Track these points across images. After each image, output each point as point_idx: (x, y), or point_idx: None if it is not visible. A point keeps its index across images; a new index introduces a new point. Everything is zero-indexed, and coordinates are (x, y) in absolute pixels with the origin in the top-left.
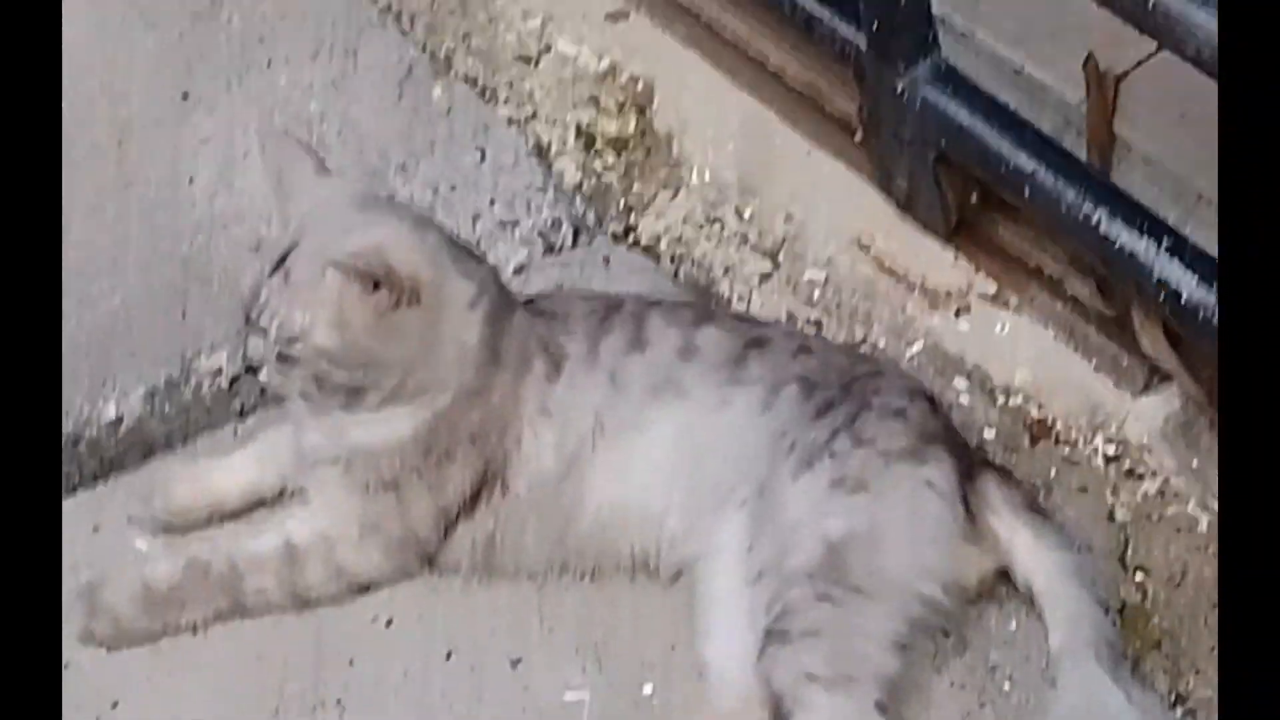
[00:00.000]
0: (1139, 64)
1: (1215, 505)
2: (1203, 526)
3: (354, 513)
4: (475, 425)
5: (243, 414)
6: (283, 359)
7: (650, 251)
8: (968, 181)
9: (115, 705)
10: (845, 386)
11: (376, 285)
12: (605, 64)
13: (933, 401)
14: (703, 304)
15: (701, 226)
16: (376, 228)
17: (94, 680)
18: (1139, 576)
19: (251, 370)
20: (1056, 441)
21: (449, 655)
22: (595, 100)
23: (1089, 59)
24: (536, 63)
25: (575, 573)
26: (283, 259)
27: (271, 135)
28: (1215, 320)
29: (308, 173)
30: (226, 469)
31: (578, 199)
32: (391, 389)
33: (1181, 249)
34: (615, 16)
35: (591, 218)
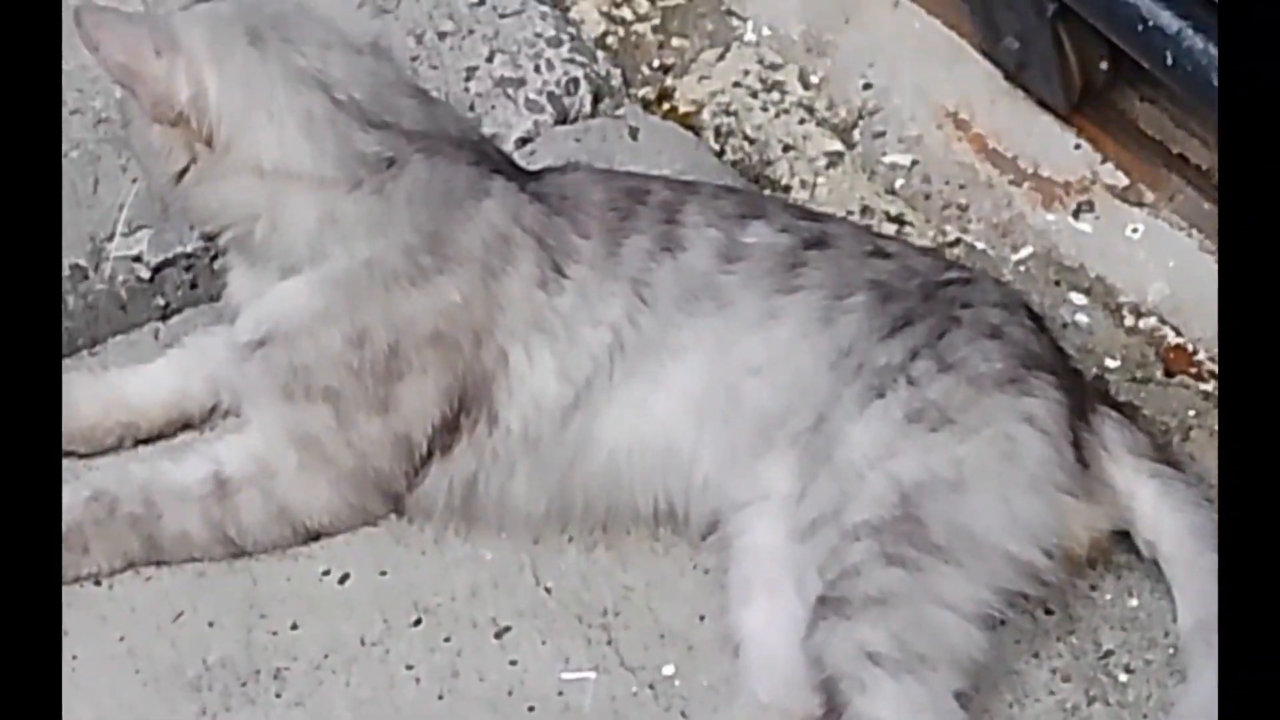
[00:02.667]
0: None
1: None
2: None
3: (285, 426)
4: (429, 322)
5: (166, 312)
6: None
7: (689, 123)
8: (1095, 43)
9: None
10: (928, 297)
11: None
12: None
13: (1038, 319)
14: (753, 192)
15: (756, 94)
16: (215, 46)
17: None
18: None
19: None
20: (1196, 374)
21: (418, 621)
22: None
23: None
24: None
25: (580, 525)
26: None
27: None
28: None
29: None
30: (144, 379)
31: (600, 54)
32: (239, 242)
33: None
34: None
35: (617, 79)
